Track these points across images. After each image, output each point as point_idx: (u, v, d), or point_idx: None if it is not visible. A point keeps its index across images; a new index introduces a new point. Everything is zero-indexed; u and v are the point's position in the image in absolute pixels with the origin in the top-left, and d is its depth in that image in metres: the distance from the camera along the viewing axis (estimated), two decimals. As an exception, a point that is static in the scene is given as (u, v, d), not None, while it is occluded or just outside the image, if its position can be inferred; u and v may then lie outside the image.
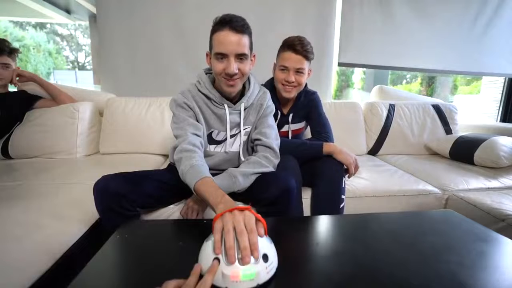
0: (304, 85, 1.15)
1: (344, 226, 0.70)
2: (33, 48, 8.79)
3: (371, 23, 1.94)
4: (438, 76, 4.61)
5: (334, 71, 2.07)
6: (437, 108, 1.86)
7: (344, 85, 5.86)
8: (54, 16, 2.76)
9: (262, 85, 1.09)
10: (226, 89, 0.87)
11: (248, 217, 0.49)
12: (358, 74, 5.40)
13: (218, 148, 0.97)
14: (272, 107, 1.00)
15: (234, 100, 0.94)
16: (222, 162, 0.97)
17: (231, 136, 0.96)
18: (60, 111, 1.46)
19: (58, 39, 9.71)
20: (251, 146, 1.00)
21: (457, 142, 1.60)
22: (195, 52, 1.76)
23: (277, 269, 0.47)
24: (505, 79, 2.44)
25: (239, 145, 0.97)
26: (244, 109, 0.94)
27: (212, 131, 0.94)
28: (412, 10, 1.96)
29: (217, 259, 0.44)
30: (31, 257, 0.66)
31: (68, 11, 2.73)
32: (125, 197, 0.75)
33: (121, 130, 1.56)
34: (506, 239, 0.61)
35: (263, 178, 0.85)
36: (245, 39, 0.82)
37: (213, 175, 0.76)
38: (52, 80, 4.50)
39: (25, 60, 8.05)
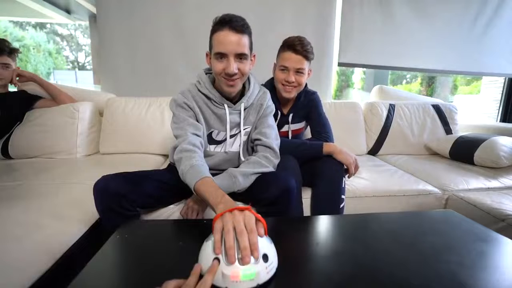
0: (304, 85, 1.15)
1: (344, 226, 0.70)
2: (33, 48, 8.79)
3: (371, 23, 1.94)
4: (438, 76, 4.61)
5: (334, 71, 2.08)
6: (437, 108, 1.86)
7: (344, 85, 5.86)
8: (54, 16, 2.76)
9: (262, 85, 1.09)
10: (226, 89, 0.87)
11: (248, 217, 0.49)
12: (358, 74, 5.40)
13: (218, 148, 0.97)
14: (272, 107, 1.00)
15: (234, 100, 0.94)
16: (222, 162, 0.97)
17: (231, 136, 0.96)
18: (60, 111, 1.46)
19: (58, 39, 9.73)
20: (251, 146, 1.00)
21: (457, 142, 1.60)
22: (195, 52, 1.76)
23: (277, 269, 0.47)
24: (505, 79, 2.44)
25: (239, 145, 0.97)
26: (244, 109, 0.94)
27: (212, 131, 0.94)
28: (412, 10, 1.96)
29: (217, 259, 0.44)
30: (31, 257, 0.66)
31: (68, 11, 2.73)
32: (125, 197, 0.75)
33: (121, 130, 1.56)
34: (506, 239, 0.61)
35: (263, 178, 0.85)
36: (245, 39, 0.82)
37: (213, 175, 0.76)
38: (52, 80, 4.50)
39: (25, 60, 8.05)
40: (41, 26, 8.62)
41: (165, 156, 1.59)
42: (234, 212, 0.49)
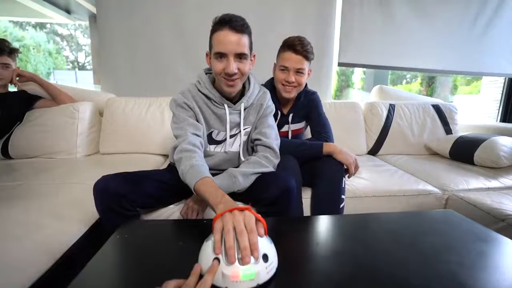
0: (304, 85, 1.15)
1: (344, 226, 0.70)
2: (33, 48, 8.79)
3: (371, 23, 1.94)
4: (438, 76, 4.61)
5: (334, 71, 2.08)
6: (437, 108, 1.86)
7: (344, 85, 5.86)
8: (54, 16, 2.76)
9: (262, 85, 1.09)
10: (226, 89, 0.87)
11: (248, 217, 0.49)
12: (358, 74, 5.40)
13: (218, 148, 0.97)
14: (272, 107, 1.00)
15: (234, 100, 0.94)
16: (222, 162, 0.97)
17: (231, 136, 0.96)
18: (60, 111, 1.46)
19: (58, 39, 9.73)
20: (251, 146, 1.00)
21: (457, 142, 1.60)
22: (195, 52, 1.76)
23: (277, 269, 0.47)
24: (505, 79, 2.44)
25: (239, 145, 0.97)
26: (244, 109, 0.94)
27: (212, 131, 0.94)
28: (412, 10, 1.96)
29: (217, 259, 0.44)
30: (31, 257, 0.66)
31: (68, 11, 2.73)
32: (125, 197, 0.75)
33: (121, 130, 1.56)
34: (506, 239, 0.61)
35: (263, 178, 0.85)
36: (244, 39, 0.82)
37: (213, 175, 0.76)
38: (52, 80, 4.50)
39: (25, 60, 8.05)
40: (41, 26, 8.62)
41: (165, 156, 1.59)
42: (234, 212, 0.49)
